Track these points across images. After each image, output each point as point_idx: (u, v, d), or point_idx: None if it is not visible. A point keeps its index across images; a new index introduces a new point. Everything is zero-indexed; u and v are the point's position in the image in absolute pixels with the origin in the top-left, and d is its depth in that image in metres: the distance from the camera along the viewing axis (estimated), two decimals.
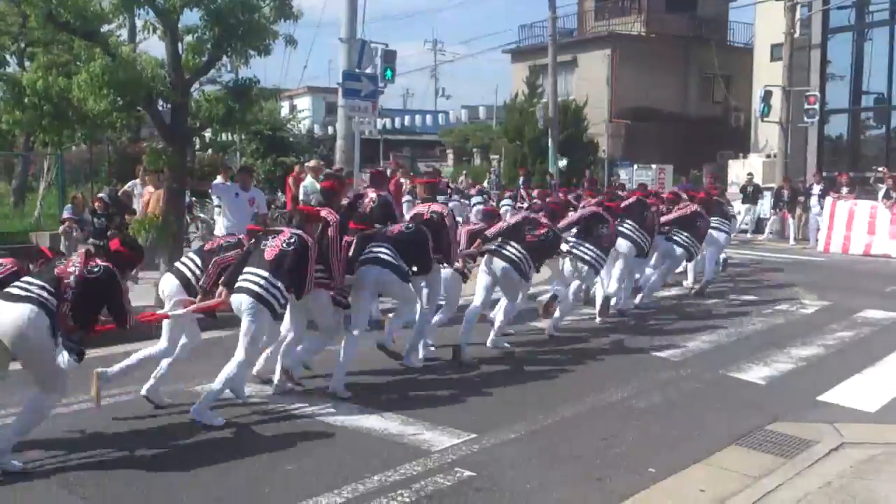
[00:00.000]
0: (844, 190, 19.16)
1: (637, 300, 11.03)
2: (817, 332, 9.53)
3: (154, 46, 20.96)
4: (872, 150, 25.90)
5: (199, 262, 6.32)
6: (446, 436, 5.72)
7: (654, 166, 27.52)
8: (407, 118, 40.76)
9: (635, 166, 28.10)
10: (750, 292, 12.54)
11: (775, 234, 21.41)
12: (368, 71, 15.70)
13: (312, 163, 14.60)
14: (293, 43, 10.74)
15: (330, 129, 32.77)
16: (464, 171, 33.86)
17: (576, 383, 7.31)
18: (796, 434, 5.89)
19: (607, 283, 10.25)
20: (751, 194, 22.16)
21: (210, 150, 18.48)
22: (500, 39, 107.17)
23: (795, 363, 8.12)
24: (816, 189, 19.71)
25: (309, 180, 13.51)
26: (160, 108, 10.19)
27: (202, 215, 16.93)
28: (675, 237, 11.03)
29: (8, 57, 17.24)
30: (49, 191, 17.32)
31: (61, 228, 13.33)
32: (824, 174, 21.39)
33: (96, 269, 5.21)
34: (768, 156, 26.62)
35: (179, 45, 10.05)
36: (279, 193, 20.81)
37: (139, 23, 11.16)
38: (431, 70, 56.69)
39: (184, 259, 6.55)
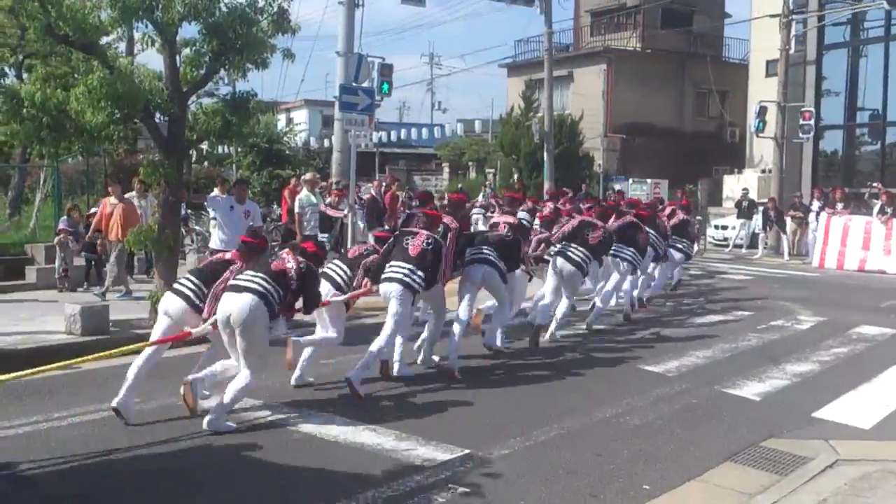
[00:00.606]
0: (839, 206, 19.24)
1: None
2: (812, 348, 9.54)
3: (152, 59, 21.04)
4: (867, 165, 26.03)
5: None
6: (440, 451, 5.71)
7: (649, 181, 27.63)
8: (403, 131, 40.80)
9: (630, 181, 28.20)
10: (745, 308, 12.55)
11: (770, 249, 21.48)
12: (365, 85, 15.74)
13: (308, 175, 14.59)
14: (291, 57, 10.75)
15: (326, 142, 32.80)
16: (459, 185, 33.90)
17: (570, 398, 7.30)
18: (791, 451, 5.89)
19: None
20: (746, 209, 22.26)
21: (207, 163, 18.50)
22: (496, 54, 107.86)
23: (790, 379, 8.12)
24: (815, 205, 19.76)
25: (305, 193, 13.51)
26: (157, 121, 10.21)
27: (197, 228, 16.93)
28: (620, 252, 10.75)
29: (6, 69, 17.27)
30: (45, 202, 17.29)
31: (56, 240, 13.30)
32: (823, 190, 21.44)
33: (305, 266, 6.40)
34: (763, 171, 26.75)
35: (177, 57, 10.07)
36: (275, 206, 20.82)
37: (137, 35, 11.21)
38: (428, 83, 56.94)
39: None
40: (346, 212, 13.99)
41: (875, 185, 20.52)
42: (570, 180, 27.26)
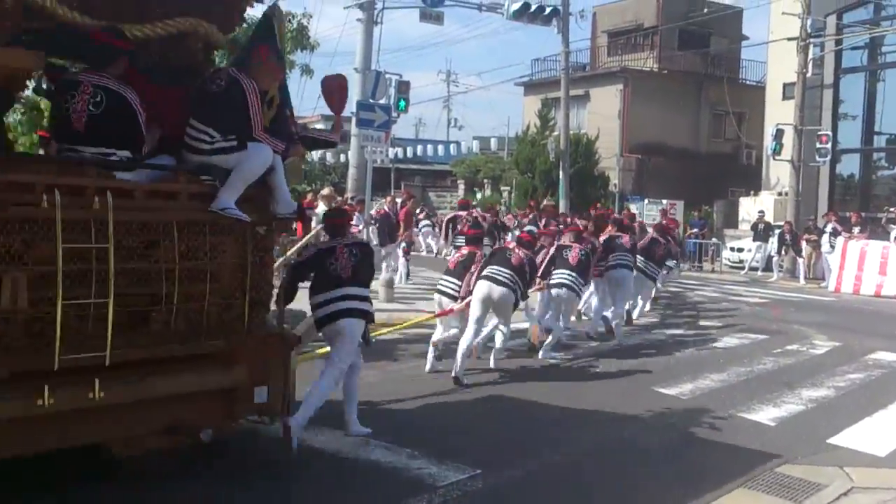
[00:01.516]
0: (856, 230, 19.14)
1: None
2: (828, 374, 9.46)
3: None
4: (884, 190, 25.90)
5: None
6: (452, 470, 5.68)
7: (664, 201, 27.53)
8: (419, 147, 40.96)
9: (646, 201, 28.14)
10: (760, 331, 12.47)
11: (786, 272, 21.37)
12: (382, 101, 15.82)
13: (326, 191, 14.68)
14: (309, 73, 10.89)
15: (342, 157, 32.95)
16: (473, 203, 33.89)
17: (583, 419, 7.27)
18: (805, 477, 5.83)
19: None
20: (762, 232, 22.13)
21: None
22: (513, 72, 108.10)
23: (805, 404, 8.06)
24: (829, 227, 19.65)
25: (322, 208, 13.56)
26: None
27: None
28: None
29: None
30: None
31: None
32: (840, 214, 21.35)
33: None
34: (780, 193, 26.63)
35: None
36: None
37: None
38: (444, 100, 57.09)
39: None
40: (360, 227, 14.03)
41: (892, 209, 20.43)
42: (586, 199, 27.29)
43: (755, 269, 22.32)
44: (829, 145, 23.19)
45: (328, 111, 7.00)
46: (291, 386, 5.77)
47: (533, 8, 23.75)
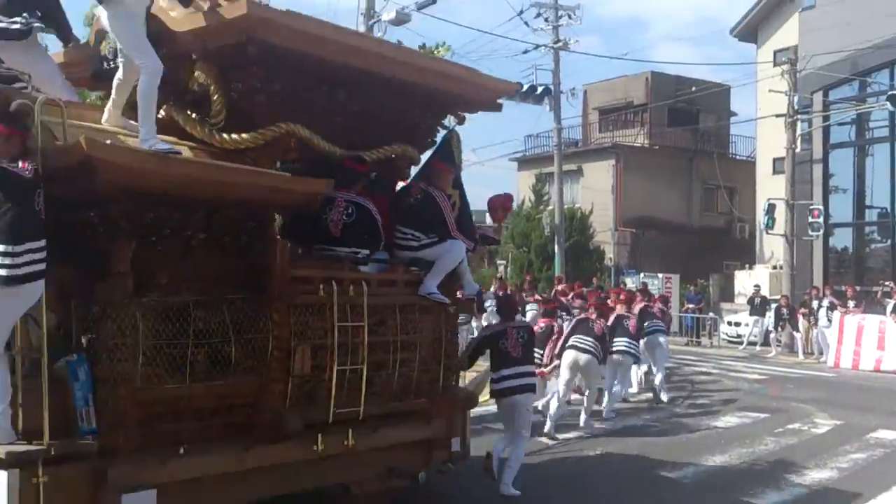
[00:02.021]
0: (851, 304, 19.16)
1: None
2: (830, 454, 9.35)
3: None
4: (878, 263, 26.02)
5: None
6: None
7: (660, 275, 27.62)
8: None
9: (642, 275, 28.20)
10: (761, 409, 12.38)
11: (784, 347, 21.32)
12: None
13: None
14: None
15: None
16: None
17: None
18: None
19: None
20: (758, 306, 22.15)
21: None
22: (507, 148, 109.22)
23: (809, 487, 7.95)
24: (825, 302, 19.67)
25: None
26: None
27: None
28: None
29: None
30: None
31: None
32: (834, 288, 21.41)
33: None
34: (775, 267, 26.72)
35: None
36: None
37: None
38: None
39: None
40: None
41: (887, 283, 20.49)
42: (582, 273, 27.38)
43: (753, 343, 22.26)
44: (821, 219, 23.36)
45: None
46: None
47: (525, 88, 24.22)
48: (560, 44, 26.93)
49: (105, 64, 5.76)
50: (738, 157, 36.44)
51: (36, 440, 4.33)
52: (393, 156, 6.56)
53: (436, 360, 6.35)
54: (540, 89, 25.55)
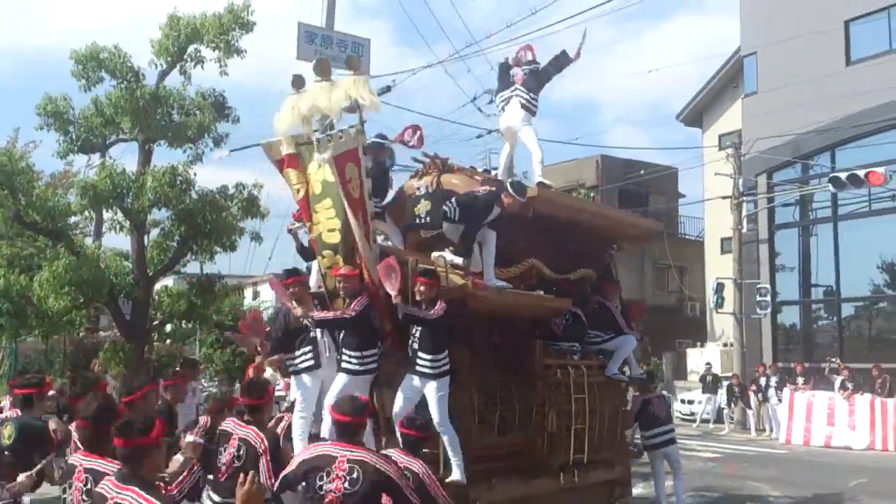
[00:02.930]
0: (800, 380, 19.42)
1: None
2: None
3: (117, 238, 21.13)
4: (825, 339, 26.42)
5: None
6: None
7: None
8: None
9: None
10: (716, 489, 12.36)
11: (736, 424, 21.42)
12: None
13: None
14: (258, 239, 11.00)
15: None
16: None
17: None
18: None
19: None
20: (710, 384, 22.34)
21: (168, 341, 18.33)
22: None
23: None
24: (773, 380, 19.91)
25: (269, 373, 13.32)
26: (121, 303, 10.23)
27: None
28: None
29: None
30: (1, 384, 16.87)
31: None
32: (780, 365, 21.71)
33: None
34: (725, 345, 27.04)
35: (146, 238, 10.24)
36: (237, 385, 20.45)
37: (107, 215, 11.40)
38: None
39: None
40: None
41: (834, 360, 20.82)
42: None
43: (707, 420, 22.36)
44: (768, 298, 23.78)
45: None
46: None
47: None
48: None
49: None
50: (687, 236, 37.17)
51: None
52: (582, 276, 8.86)
53: (615, 422, 8.69)
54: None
